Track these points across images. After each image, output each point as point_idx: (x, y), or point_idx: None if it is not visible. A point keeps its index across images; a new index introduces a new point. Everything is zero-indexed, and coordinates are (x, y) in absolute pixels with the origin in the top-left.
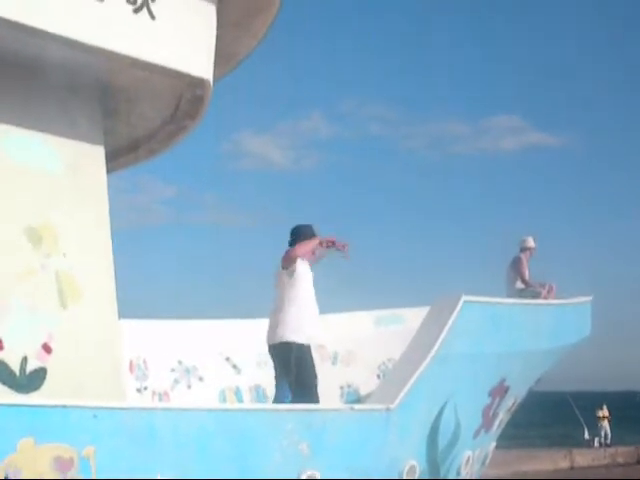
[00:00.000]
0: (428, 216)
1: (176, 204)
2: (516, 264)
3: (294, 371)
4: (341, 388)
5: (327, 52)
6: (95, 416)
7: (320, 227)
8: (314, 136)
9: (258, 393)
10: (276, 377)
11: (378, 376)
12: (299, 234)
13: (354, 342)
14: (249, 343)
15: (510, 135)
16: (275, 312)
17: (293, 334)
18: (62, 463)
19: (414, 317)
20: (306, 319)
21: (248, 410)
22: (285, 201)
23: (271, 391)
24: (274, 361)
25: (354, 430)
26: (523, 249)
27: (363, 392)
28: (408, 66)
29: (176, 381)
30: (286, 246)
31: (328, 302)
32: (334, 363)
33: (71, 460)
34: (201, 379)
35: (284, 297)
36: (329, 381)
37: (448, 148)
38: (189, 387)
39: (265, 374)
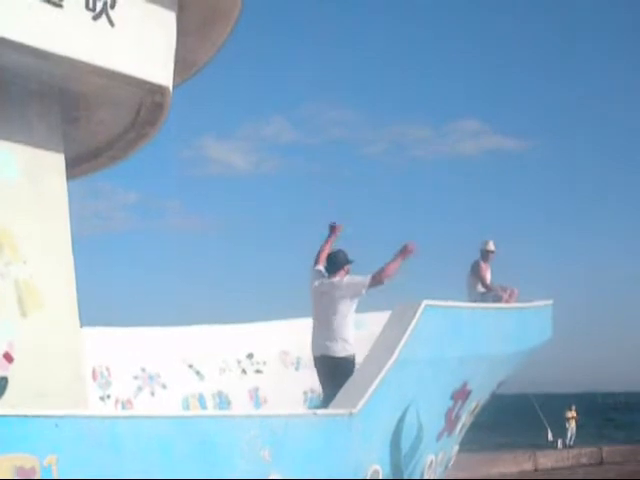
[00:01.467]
0: (387, 220)
1: (138, 210)
2: (476, 268)
3: (341, 381)
4: (304, 393)
5: (288, 56)
6: (57, 425)
7: (286, 230)
8: (276, 141)
9: (221, 399)
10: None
11: None
12: (336, 261)
13: None
14: (212, 349)
15: (470, 139)
16: (331, 325)
17: (352, 348)
18: (24, 472)
19: (375, 322)
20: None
21: (210, 417)
22: (248, 206)
23: (233, 397)
24: (324, 370)
25: (317, 435)
26: (483, 253)
27: None
28: (368, 69)
29: (139, 388)
30: (248, 252)
31: (294, 308)
32: (297, 368)
33: (33, 469)
34: (164, 386)
35: (342, 312)
36: (292, 386)
37: (409, 152)
38: (152, 394)
39: (228, 380)
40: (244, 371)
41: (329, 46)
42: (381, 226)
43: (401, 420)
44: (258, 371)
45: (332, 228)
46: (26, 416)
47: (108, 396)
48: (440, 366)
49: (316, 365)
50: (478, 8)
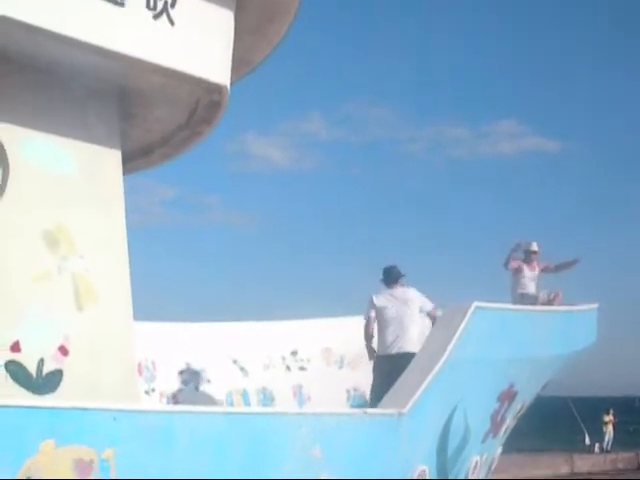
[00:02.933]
0: (432, 221)
1: (177, 206)
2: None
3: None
4: (347, 392)
5: (330, 54)
6: (115, 418)
7: (326, 229)
8: (315, 138)
9: (265, 396)
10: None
11: None
12: (392, 275)
13: (360, 345)
14: (256, 345)
15: (508, 140)
16: (405, 327)
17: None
18: (82, 465)
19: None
20: None
21: (264, 414)
22: (286, 202)
23: (277, 393)
24: (393, 367)
25: (366, 434)
26: (527, 253)
27: (369, 396)
28: (410, 69)
29: (184, 383)
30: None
31: (336, 305)
32: (340, 367)
33: (91, 462)
34: (209, 381)
35: (411, 316)
36: (335, 384)
37: (448, 152)
38: (197, 389)
39: (272, 377)
40: (288, 368)
41: (371, 46)
42: (419, 225)
43: (449, 421)
44: (302, 368)
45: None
46: (86, 409)
47: (153, 390)
48: (488, 367)
49: (385, 363)
50: (520, 7)
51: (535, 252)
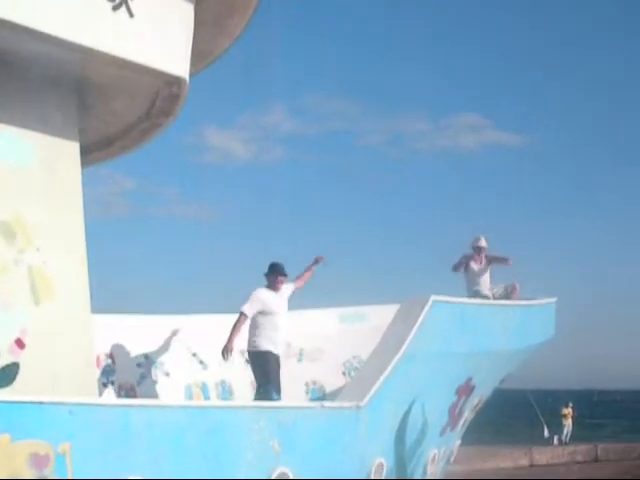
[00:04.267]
0: (388, 213)
1: (136, 197)
2: (462, 265)
3: None
4: (306, 385)
5: (290, 45)
6: (71, 412)
7: (284, 222)
8: (276, 130)
9: (224, 389)
10: None
11: (343, 373)
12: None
13: (319, 339)
14: (215, 338)
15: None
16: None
17: None
18: (38, 459)
19: (377, 315)
20: None
21: (221, 407)
22: (246, 195)
23: (236, 387)
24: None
25: (324, 427)
26: (475, 249)
27: (328, 389)
28: (371, 61)
29: (142, 376)
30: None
31: (295, 300)
32: (299, 360)
33: (47, 456)
34: (167, 374)
35: None
36: (294, 378)
37: (409, 145)
38: (155, 382)
39: (231, 370)
40: (247, 361)
41: (331, 37)
42: (381, 217)
43: (407, 414)
44: None
45: (316, 259)
46: (41, 403)
47: (112, 382)
48: (446, 361)
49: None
50: (481, 3)
51: (481, 248)
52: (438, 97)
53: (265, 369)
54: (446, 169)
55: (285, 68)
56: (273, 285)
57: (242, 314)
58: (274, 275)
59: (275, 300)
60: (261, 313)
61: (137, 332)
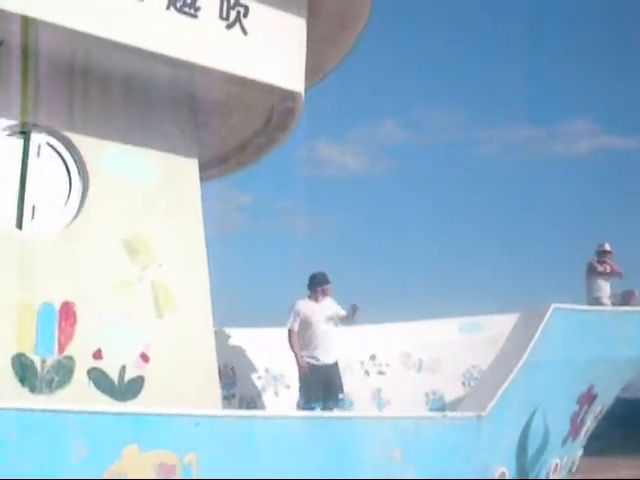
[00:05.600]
0: (506, 224)
1: (252, 211)
2: (588, 271)
3: None
4: (426, 395)
5: (400, 57)
6: (197, 424)
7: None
8: (386, 143)
9: (344, 400)
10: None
11: (463, 383)
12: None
13: (438, 349)
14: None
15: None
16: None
17: None
18: (166, 469)
19: (496, 325)
20: None
21: (344, 418)
22: (358, 207)
23: (357, 398)
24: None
25: (446, 437)
26: (599, 254)
27: (448, 399)
28: (480, 71)
29: (263, 389)
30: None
31: (414, 309)
32: (419, 370)
33: (174, 467)
34: (288, 387)
35: None
36: (414, 388)
37: (522, 153)
38: (276, 394)
39: (351, 381)
40: (367, 372)
41: (440, 49)
42: (498, 230)
43: (528, 423)
44: (381, 372)
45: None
46: (169, 415)
47: (233, 395)
48: (567, 370)
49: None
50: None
51: (608, 252)
52: (547, 104)
53: (302, 381)
54: (561, 175)
55: (396, 80)
56: (314, 296)
57: (290, 331)
58: (314, 286)
59: (315, 311)
60: (301, 325)
61: (257, 345)
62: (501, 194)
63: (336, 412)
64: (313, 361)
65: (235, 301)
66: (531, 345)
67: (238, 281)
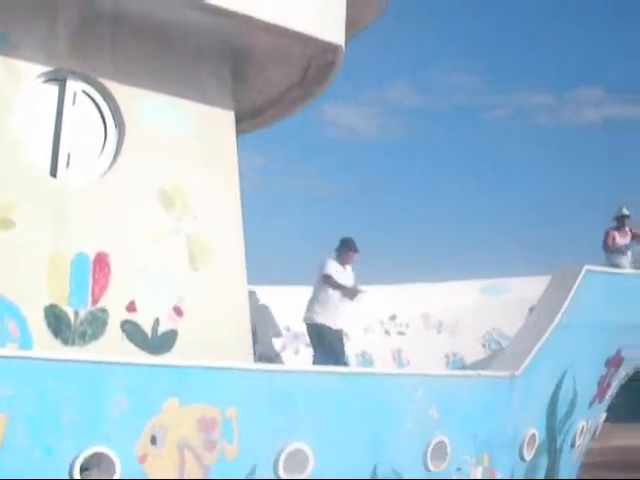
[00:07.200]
0: (519, 184)
1: (265, 172)
2: (605, 236)
3: None
4: (446, 356)
5: (414, 21)
6: (238, 378)
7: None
8: (399, 105)
9: (364, 359)
10: None
11: (483, 345)
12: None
13: (459, 311)
14: (356, 310)
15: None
16: None
17: None
18: (206, 424)
19: (519, 287)
20: None
21: (382, 375)
22: (369, 169)
23: (377, 357)
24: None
25: (480, 396)
26: (618, 219)
27: (468, 361)
28: (493, 34)
29: (283, 347)
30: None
31: (434, 271)
32: (439, 331)
33: (214, 421)
34: (308, 345)
35: None
36: (434, 349)
37: (533, 119)
38: (296, 353)
39: (371, 341)
40: (387, 332)
41: (454, 11)
42: (514, 190)
43: (559, 385)
44: (401, 333)
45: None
46: (210, 368)
47: (254, 353)
48: (597, 332)
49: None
50: None
51: (627, 216)
52: (560, 71)
53: (321, 342)
54: (569, 142)
55: (409, 43)
56: (344, 259)
57: (329, 277)
58: (346, 250)
59: (342, 274)
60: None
61: (280, 303)
62: (525, 157)
63: (375, 369)
64: (330, 323)
65: (253, 260)
66: (564, 306)
67: (255, 240)
